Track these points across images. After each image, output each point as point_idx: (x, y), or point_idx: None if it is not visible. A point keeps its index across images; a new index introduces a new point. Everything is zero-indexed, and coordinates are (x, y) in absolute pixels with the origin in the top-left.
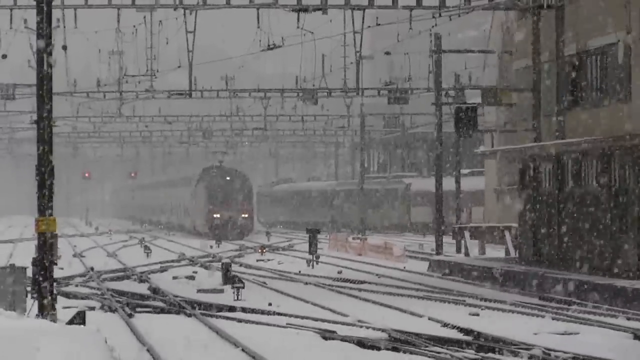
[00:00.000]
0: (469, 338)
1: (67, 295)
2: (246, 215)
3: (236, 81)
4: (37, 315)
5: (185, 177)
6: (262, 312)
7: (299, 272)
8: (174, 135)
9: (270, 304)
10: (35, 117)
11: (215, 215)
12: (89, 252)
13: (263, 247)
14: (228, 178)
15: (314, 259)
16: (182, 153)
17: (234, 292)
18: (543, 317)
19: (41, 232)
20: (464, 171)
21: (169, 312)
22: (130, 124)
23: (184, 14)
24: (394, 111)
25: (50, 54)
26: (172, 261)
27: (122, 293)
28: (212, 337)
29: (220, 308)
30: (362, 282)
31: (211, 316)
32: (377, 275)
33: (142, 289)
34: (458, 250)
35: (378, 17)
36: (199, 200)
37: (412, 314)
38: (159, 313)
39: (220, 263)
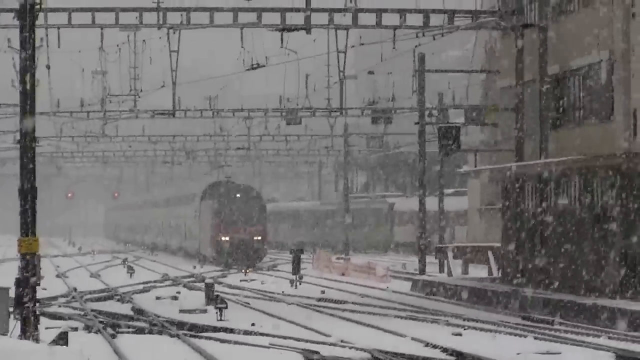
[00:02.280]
0: (452, 358)
1: (50, 315)
2: (259, 238)
3: (220, 101)
4: (19, 336)
5: (187, 194)
6: (245, 333)
7: (282, 292)
8: (158, 155)
9: (253, 324)
10: (18, 136)
11: (224, 238)
12: (72, 272)
13: (247, 267)
14: (238, 195)
15: (298, 279)
16: (165, 173)
17: (217, 313)
18: (526, 337)
19: (24, 252)
20: (447, 191)
21: (152, 332)
22: (113, 143)
23: (168, 34)
24: (377, 131)
25: (33, 73)
26: (156, 281)
27: (105, 314)
28: (196, 357)
29: (203, 328)
30: (345, 302)
31: (194, 336)
32: (360, 295)
33: (126, 309)
34: (441, 270)
35: (362, 37)
36: (205, 220)
37: (395, 333)
38: (142, 333)
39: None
